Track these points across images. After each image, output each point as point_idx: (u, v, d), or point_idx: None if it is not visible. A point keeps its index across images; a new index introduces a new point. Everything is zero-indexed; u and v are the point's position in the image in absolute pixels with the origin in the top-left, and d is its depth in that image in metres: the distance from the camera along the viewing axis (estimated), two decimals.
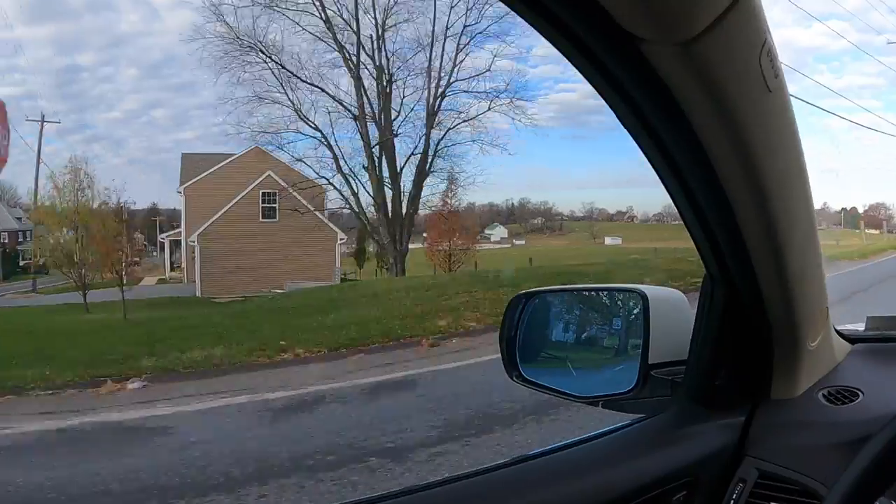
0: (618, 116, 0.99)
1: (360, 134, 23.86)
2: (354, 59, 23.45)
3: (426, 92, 24.10)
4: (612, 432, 1.33)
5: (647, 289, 1.40)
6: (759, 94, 0.91)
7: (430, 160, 24.46)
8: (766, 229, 1.07)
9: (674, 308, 1.40)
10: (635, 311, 1.43)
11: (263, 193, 23.24)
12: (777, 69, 0.91)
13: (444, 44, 23.80)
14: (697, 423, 1.32)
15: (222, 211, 22.99)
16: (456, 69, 23.97)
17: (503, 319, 1.57)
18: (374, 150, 23.79)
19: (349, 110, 23.66)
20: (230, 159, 23.56)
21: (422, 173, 24.49)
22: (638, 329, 1.39)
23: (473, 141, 24.31)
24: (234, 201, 22.78)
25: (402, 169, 24.28)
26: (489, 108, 24.22)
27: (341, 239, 24.80)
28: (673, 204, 1.13)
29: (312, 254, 23.51)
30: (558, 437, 1.35)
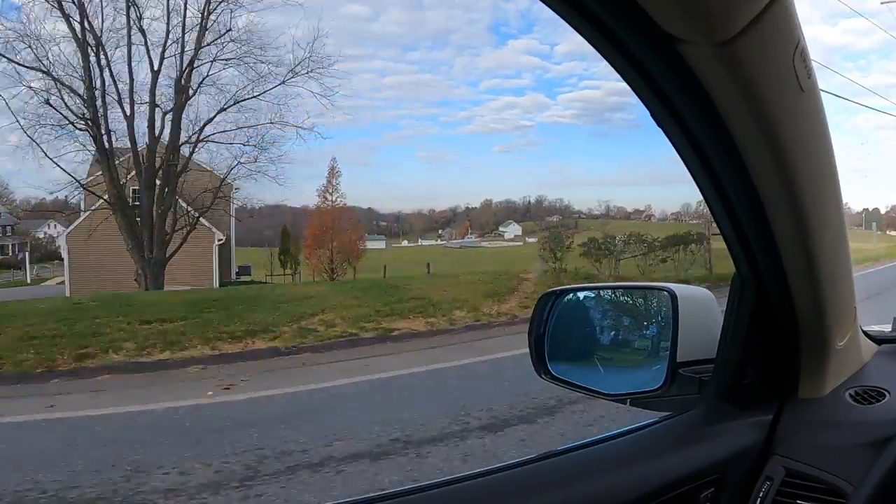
0: (652, 114, 1.00)
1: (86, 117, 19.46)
2: (77, 20, 19.01)
3: (177, 60, 20.05)
4: (640, 429, 1.34)
5: (676, 287, 1.41)
6: (792, 95, 0.92)
7: (192, 147, 20.50)
8: (798, 229, 1.09)
9: (702, 306, 1.42)
10: (664, 310, 1.44)
11: (134, 190, 21.07)
12: (810, 69, 0.92)
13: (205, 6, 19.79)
14: (725, 420, 1.33)
15: (91, 209, 21.28)
16: (205, 32, 19.95)
17: (532, 317, 1.59)
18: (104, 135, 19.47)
19: (67, 86, 19.19)
20: (128, 155, 20.62)
21: (171, 164, 20.05)
22: (666, 327, 1.41)
23: (272, 122, 20.99)
24: (102, 200, 20.59)
25: (170, 161, 19.83)
26: (283, 83, 20.80)
27: (219, 239, 22.83)
28: (703, 203, 1.14)
29: (189, 254, 21.67)
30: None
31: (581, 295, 1.65)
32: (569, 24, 0.86)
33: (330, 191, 26.27)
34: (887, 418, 1.25)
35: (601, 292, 1.68)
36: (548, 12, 0.85)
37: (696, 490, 1.25)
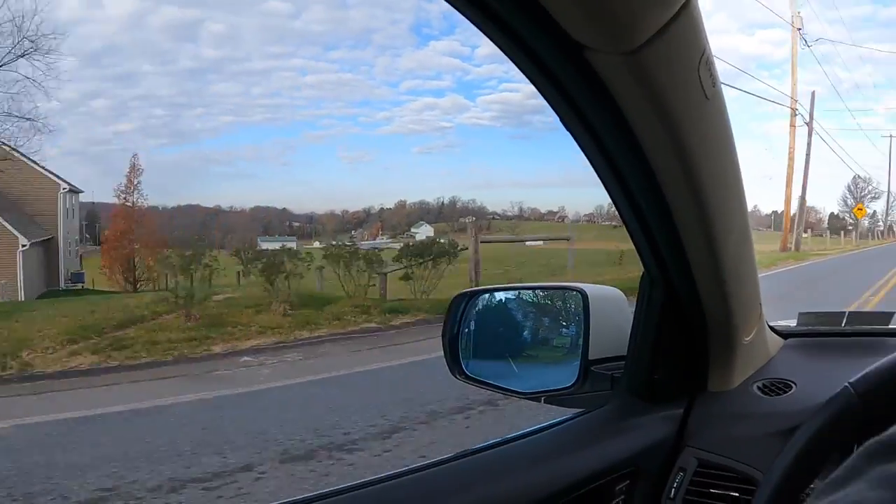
0: (561, 120, 1.00)
1: None
2: None
3: None
4: (555, 426, 1.35)
5: (587, 287, 1.43)
6: (697, 102, 0.93)
7: None
8: (703, 231, 1.11)
9: (613, 305, 1.44)
10: (576, 309, 1.47)
11: None
12: (714, 78, 0.93)
13: None
14: (637, 415, 1.36)
15: None
16: None
17: (446, 318, 1.58)
18: None
19: None
20: None
21: None
22: (578, 326, 1.43)
23: None
24: None
25: None
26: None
27: (23, 245, 19.59)
28: (613, 206, 1.14)
29: None
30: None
31: (494, 295, 1.66)
32: (478, 28, 0.84)
33: (130, 190, 23.98)
34: (793, 408, 1.30)
35: (514, 292, 1.70)
36: None
37: (611, 483, 1.27)
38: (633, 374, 1.37)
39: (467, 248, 15.20)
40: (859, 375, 1.15)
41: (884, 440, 0.55)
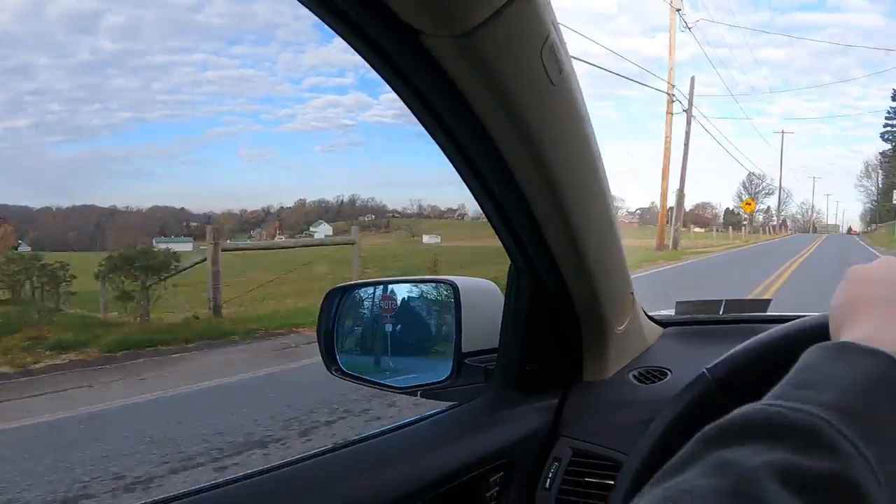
0: (412, 112, 0.97)
1: None
2: None
3: None
4: (426, 419, 1.33)
5: (458, 279, 1.42)
6: (542, 89, 0.92)
7: None
8: (563, 221, 1.11)
9: (485, 297, 1.44)
10: (448, 302, 1.47)
11: None
12: (561, 64, 0.91)
13: None
14: (511, 407, 1.36)
15: None
16: None
17: (320, 313, 1.56)
18: None
19: None
20: None
21: None
22: (451, 319, 1.43)
23: None
24: None
25: None
26: None
27: None
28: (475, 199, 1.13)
29: None
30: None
31: (368, 290, 1.64)
32: (321, 20, 0.80)
33: None
34: (668, 395, 1.31)
35: (387, 286, 1.68)
36: None
37: (484, 475, 1.26)
38: (506, 367, 1.37)
39: (203, 260, 11.70)
40: (716, 361, 1.18)
41: (722, 424, 0.54)
